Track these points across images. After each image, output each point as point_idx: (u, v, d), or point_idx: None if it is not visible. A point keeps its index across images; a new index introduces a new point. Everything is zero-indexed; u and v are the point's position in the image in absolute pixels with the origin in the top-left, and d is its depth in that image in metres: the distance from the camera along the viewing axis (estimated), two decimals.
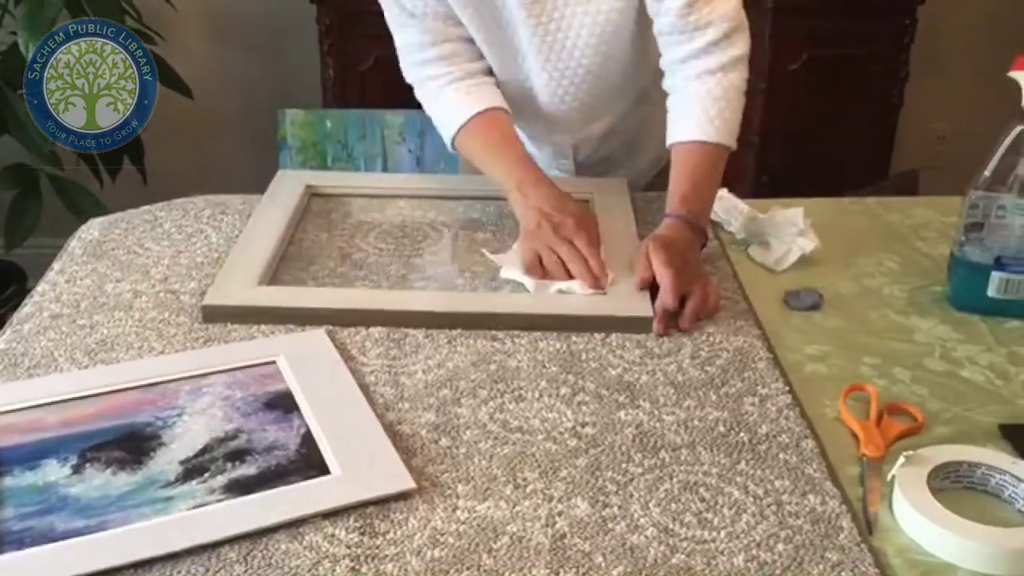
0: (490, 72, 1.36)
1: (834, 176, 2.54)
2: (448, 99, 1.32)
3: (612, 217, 1.30)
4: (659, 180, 1.44)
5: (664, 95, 1.27)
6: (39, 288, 1.16)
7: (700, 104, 1.21)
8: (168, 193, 1.43)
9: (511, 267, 1.19)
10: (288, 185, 1.39)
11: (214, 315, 1.08)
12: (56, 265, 1.22)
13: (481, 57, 1.35)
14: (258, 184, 1.40)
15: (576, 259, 1.15)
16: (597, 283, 1.13)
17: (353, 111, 2.04)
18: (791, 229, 1.27)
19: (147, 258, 1.22)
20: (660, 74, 1.28)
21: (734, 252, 1.28)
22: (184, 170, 2.60)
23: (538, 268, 1.17)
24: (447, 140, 1.34)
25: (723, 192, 1.36)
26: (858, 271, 1.25)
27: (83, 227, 1.32)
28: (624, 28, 1.28)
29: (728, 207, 1.34)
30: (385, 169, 2.16)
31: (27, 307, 1.12)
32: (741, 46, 1.22)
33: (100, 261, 1.22)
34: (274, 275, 1.18)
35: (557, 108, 1.38)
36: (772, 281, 1.22)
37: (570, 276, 1.15)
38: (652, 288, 1.11)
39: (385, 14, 1.33)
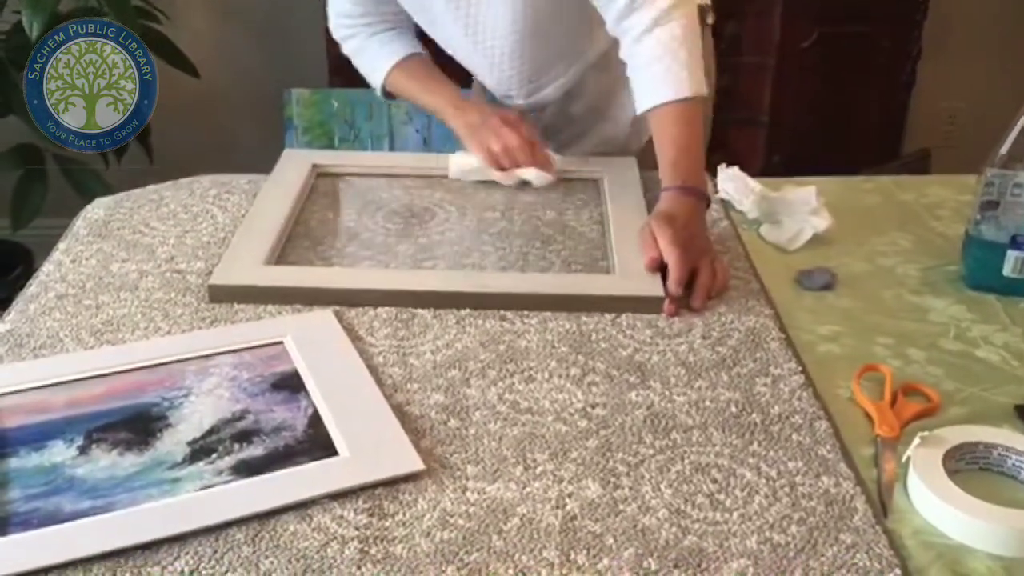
0: (412, 31, 1.49)
1: (845, 155, 2.52)
2: (373, 49, 1.47)
3: (623, 196, 1.29)
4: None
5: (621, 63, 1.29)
6: (44, 268, 1.16)
7: (648, 68, 1.21)
8: (174, 173, 1.42)
9: (464, 165, 1.33)
10: (294, 164, 1.38)
11: (220, 295, 1.07)
12: (61, 245, 1.21)
13: (405, 22, 1.47)
14: (264, 164, 1.38)
15: (524, 148, 1.30)
16: (548, 168, 1.30)
17: (360, 91, 2.02)
18: (804, 208, 1.26)
19: (153, 238, 1.22)
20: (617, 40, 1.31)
21: (746, 231, 1.27)
22: (190, 150, 2.58)
23: (494, 159, 1.31)
24: (377, 86, 1.49)
25: (735, 171, 1.34)
26: (871, 250, 1.24)
27: (88, 207, 1.31)
28: (545, 2, 1.32)
29: (740, 186, 1.32)
30: (392, 149, 2.14)
31: (32, 287, 1.11)
32: None
33: (105, 241, 1.21)
34: (281, 255, 1.17)
35: (498, 76, 1.45)
36: (784, 260, 1.21)
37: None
38: (661, 266, 1.09)
39: None
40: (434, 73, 1.47)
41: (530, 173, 1.31)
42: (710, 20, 1.52)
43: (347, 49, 1.51)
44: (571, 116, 1.50)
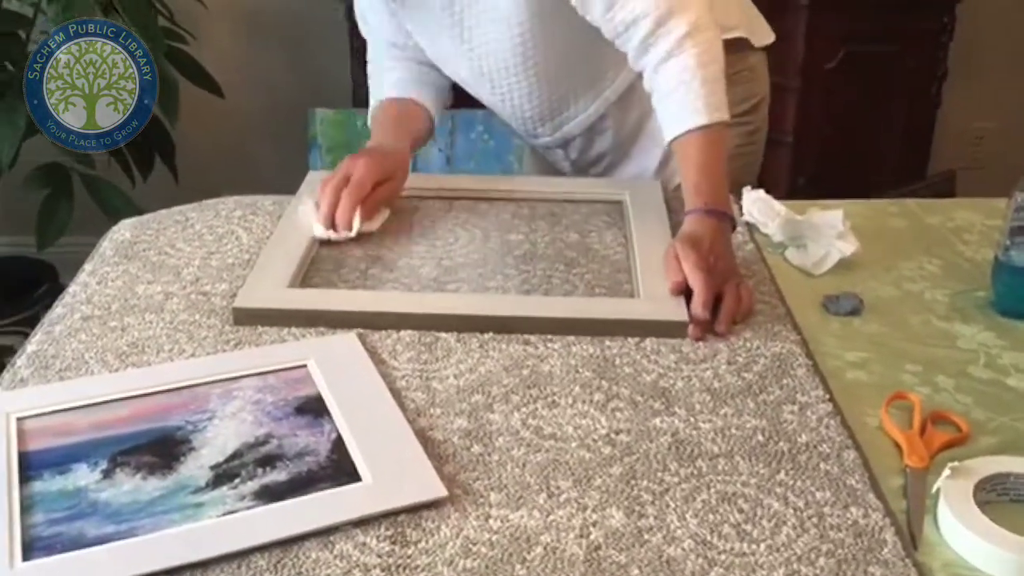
0: (434, 77, 1.49)
1: (870, 176, 2.51)
2: (384, 81, 1.49)
3: (647, 218, 1.28)
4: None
5: (648, 96, 1.28)
6: (70, 289, 1.16)
7: (665, 101, 1.22)
8: (199, 192, 1.42)
9: (304, 213, 1.28)
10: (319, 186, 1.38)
11: (244, 318, 1.07)
12: (87, 266, 1.22)
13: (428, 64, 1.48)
14: (289, 183, 1.39)
15: (326, 213, 1.25)
16: (332, 225, 1.25)
17: None
18: (830, 231, 1.24)
19: (178, 259, 1.22)
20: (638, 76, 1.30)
21: (771, 255, 1.26)
22: (215, 169, 2.61)
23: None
24: (370, 111, 1.51)
25: (760, 193, 1.33)
26: (899, 275, 1.23)
27: (114, 228, 1.31)
28: (542, 41, 1.32)
29: (765, 209, 1.31)
30: (415, 169, 2.14)
31: (58, 308, 1.12)
32: (680, 26, 1.20)
33: (131, 262, 1.21)
34: (304, 277, 1.17)
35: (520, 116, 1.46)
36: (810, 285, 1.20)
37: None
38: (686, 290, 1.09)
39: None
40: (392, 120, 1.45)
41: (316, 228, 1.25)
42: (757, 43, 1.51)
43: (371, 68, 1.54)
44: (596, 153, 1.50)
